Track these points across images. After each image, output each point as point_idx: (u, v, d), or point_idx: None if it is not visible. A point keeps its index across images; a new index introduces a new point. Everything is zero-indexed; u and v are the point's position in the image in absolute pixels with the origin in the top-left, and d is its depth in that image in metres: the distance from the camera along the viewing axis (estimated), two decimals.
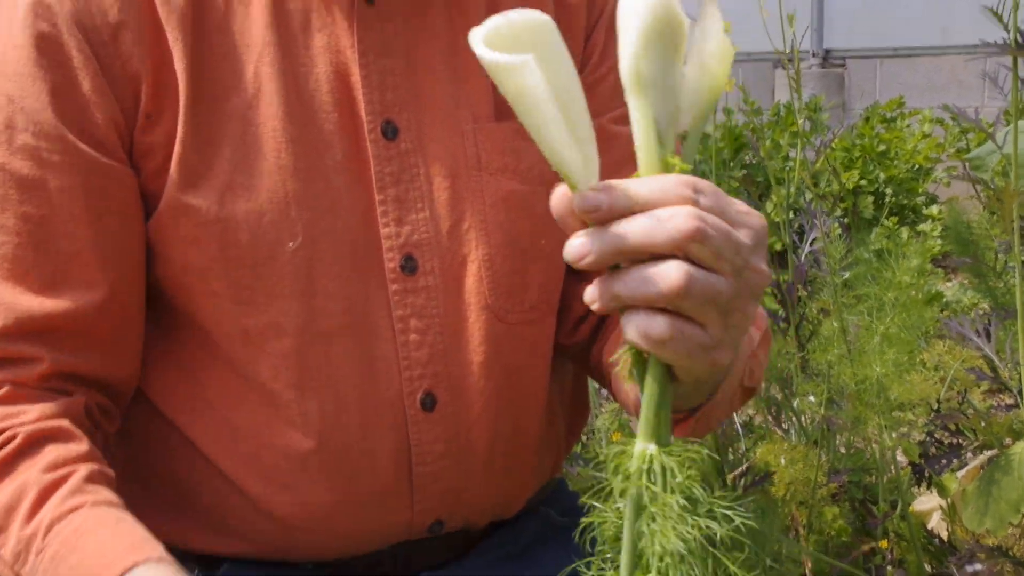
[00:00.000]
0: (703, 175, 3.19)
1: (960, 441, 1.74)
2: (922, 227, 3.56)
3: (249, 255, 0.97)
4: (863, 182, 3.68)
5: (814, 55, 5.69)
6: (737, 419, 2.07)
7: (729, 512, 0.66)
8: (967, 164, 1.93)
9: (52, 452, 0.90)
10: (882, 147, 3.82)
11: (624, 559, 0.68)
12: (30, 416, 0.91)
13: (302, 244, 0.98)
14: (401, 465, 1.02)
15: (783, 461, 1.77)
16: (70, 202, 0.95)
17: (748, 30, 2.46)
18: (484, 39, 0.66)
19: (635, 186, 0.66)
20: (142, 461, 1.09)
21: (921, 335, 1.90)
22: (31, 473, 0.89)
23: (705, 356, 0.68)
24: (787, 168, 3.35)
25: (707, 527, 0.66)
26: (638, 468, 0.67)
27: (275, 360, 0.98)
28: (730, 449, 2.00)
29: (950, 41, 5.30)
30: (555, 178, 0.97)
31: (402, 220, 1.01)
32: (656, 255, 0.65)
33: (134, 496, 0.99)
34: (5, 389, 0.92)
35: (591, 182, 0.67)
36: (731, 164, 3.82)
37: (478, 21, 1.01)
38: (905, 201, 3.68)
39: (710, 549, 0.66)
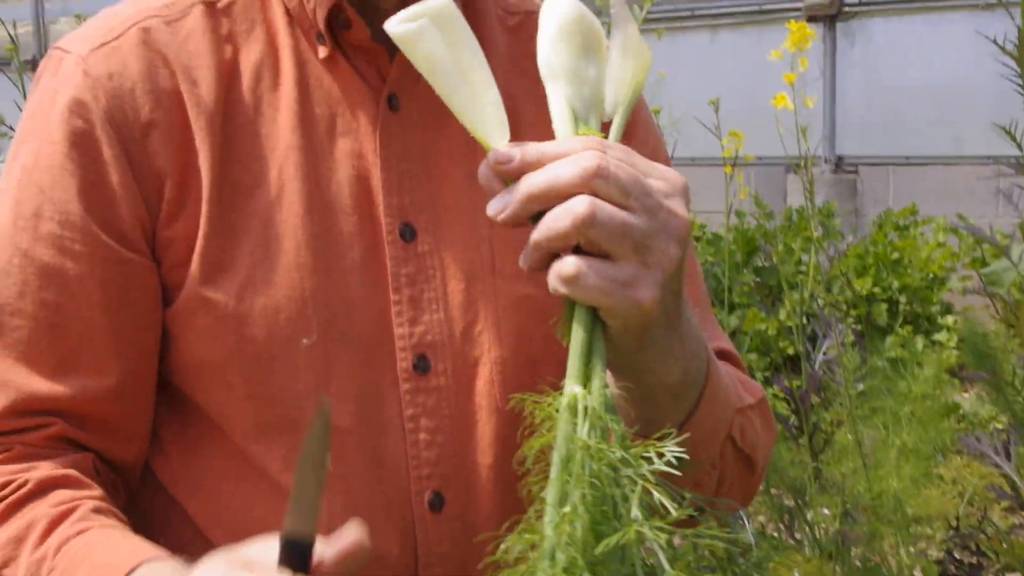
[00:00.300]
0: (715, 277, 3.16)
1: (981, 561, 1.73)
2: (937, 337, 3.56)
3: (265, 351, 0.98)
4: (876, 289, 3.68)
5: (826, 161, 5.72)
6: (749, 525, 2.05)
7: (652, 454, 0.71)
8: (983, 278, 1.94)
9: (61, 494, 0.92)
10: (895, 255, 3.82)
11: (550, 494, 0.71)
12: (41, 468, 0.93)
13: (317, 341, 0.99)
14: (407, 564, 1.01)
15: (796, 574, 1.78)
16: (88, 291, 0.97)
17: (761, 135, 2.47)
18: (398, 21, 0.76)
19: (547, 144, 0.75)
20: (141, 533, 1.09)
21: (938, 449, 1.91)
22: (40, 509, 0.91)
23: (623, 293, 0.75)
24: (800, 273, 3.34)
25: (622, 461, 0.70)
26: (566, 406, 0.72)
27: (286, 453, 0.99)
28: (742, 559, 1.98)
29: (963, 151, 5.34)
30: None
31: (416, 320, 1.02)
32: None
33: None
34: (15, 449, 0.94)
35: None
36: (743, 268, 3.83)
37: None
38: (919, 310, 3.68)
39: (627, 486, 0.70)
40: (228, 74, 1.05)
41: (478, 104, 0.80)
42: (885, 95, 5.61)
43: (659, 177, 0.79)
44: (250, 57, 1.07)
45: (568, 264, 0.75)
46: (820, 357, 2.02)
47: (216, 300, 0.99)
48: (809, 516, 1.92)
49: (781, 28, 5.72)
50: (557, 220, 0.74)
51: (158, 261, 1.01)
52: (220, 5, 1.07)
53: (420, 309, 1.03)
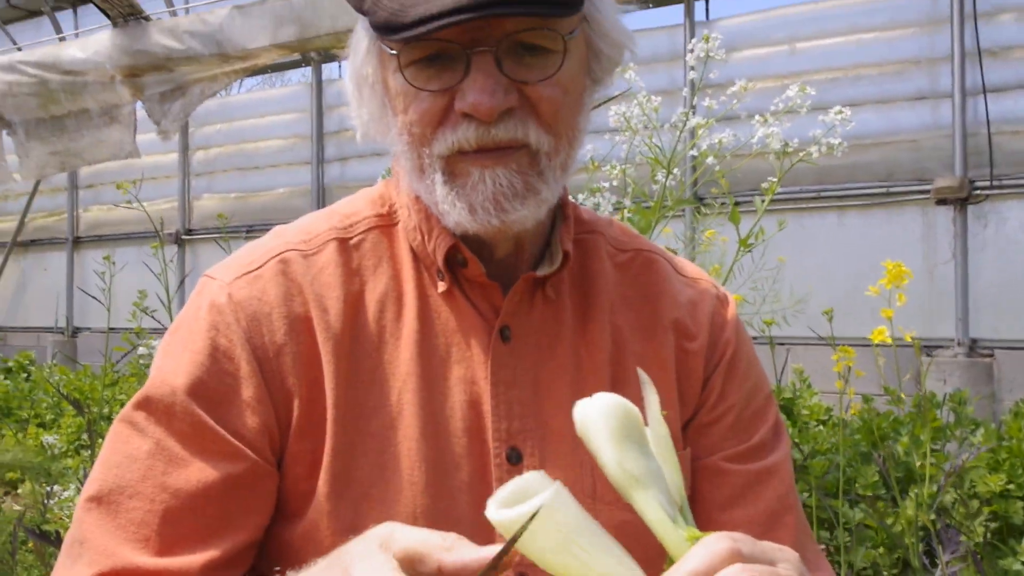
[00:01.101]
0: (841, 468, 3.09)
1: None
2: None
3: None
4: (1011, 486, 3.52)
5: (959, 344, 5.56)
6: None
7: None
8: None
9: None
10: None
11: None
12: None
13: None
14: None
15: None
16: (206, 482, 1.01)
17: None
18: (498, 505, 0.75)
19: (687, 563, 0.71)
20: None
21: None
22: None
23: None
24: (927, 465, 3.26)
25: None
26: None
27: None
28: None
29: None
30: None
31: None
32: None
33: None
34: None
35: None
36: (867, 456, 3.74)
37: (602, 355, 1.11)
38: None
39: None
40: (355, 304, 1.10)
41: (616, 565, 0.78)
42: (1021, 276, 5.48)
43: (783, 560, 0.76)
44: (376, 289, 1.11)
45: None
46: (938, 572, 1.96)
47: (339, 513, 1.03)
48: None
49: (911, 211, 5.76)
50: None
51: (284, 470, 1.05)
52: (352, 242, 1.13)
53: None
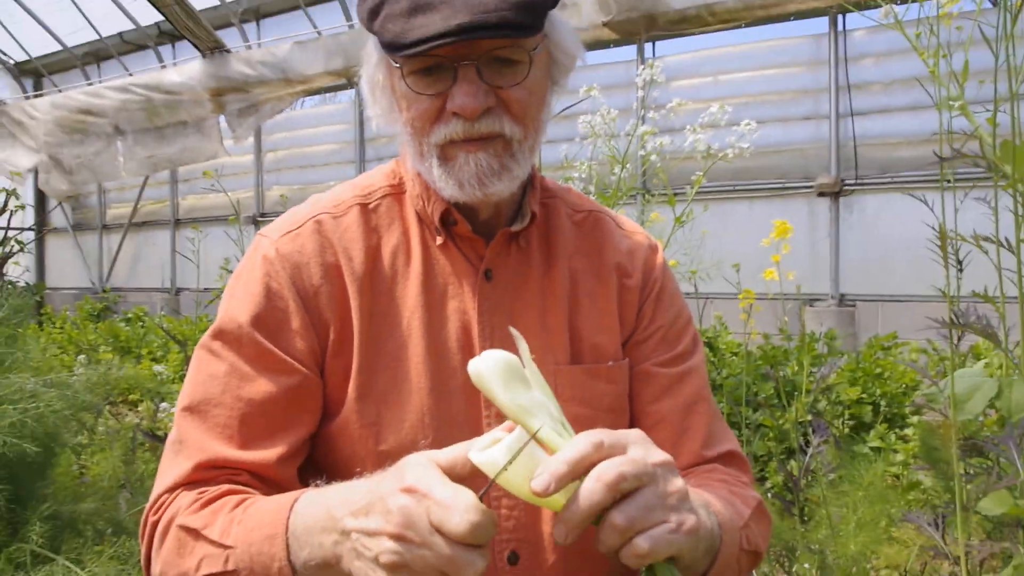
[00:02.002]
0: (747, 384, 3.17)
1: None
2: (907, 431, 3.45)
3: (395, 450, 0.99)
4: (863, 395, 3.60)
5: (832, 297, 5.63)
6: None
7: None
8: (926, 397, 1.91)
9: (243, 493, 0.96)
10: (879, 369, 3.73)
11: None
12: (228, 487, 0.97)
13: (432, 441, 1.00)
14: None
15: None
16: (271, 392, 0.99)
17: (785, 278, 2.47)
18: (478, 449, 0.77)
19: (563, 454, 0.75)
20: None
21: (892, 519, 1.86)
22: (228, 498, 0.94)
23: (680, 536, 0.77)
24: (809, 382, 3.36)
25: None
26: None
27: None
28: None
29: (933, 291, 5.23)
30: (612, 404, 1.08)
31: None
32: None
33: None
34: (210, 486, 0.97)
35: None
36: (766, 376, 3.84)
37: (562, 290, 1.11)
38: (895, 411, 3.56)
39: None
40: (374, 254, 1.06)
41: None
42: (876, 249, 5.53)
43: (633, 441, 0.79)
44: (390, 242, 1.08)
45: (639, 543, 0.75)
46: (810, 451, 1.97)
47: (365, 412, 1.01)
48: (795, 568, 1.89)
49: (799, 201, 5.81)
50: (593, 492, 0.74)
51: (325, 381, 1.03)
52: (371, 206, 1.09)
53: (503, 421, 1.06)
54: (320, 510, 0.84)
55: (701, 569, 0.87)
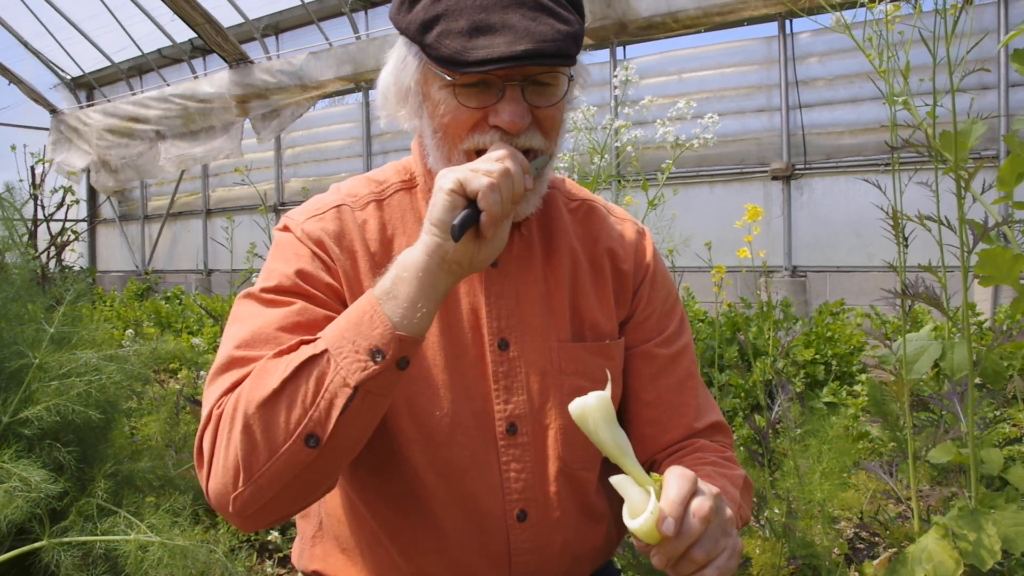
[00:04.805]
0: (712, 348, 3.10)
1: (876, 540, 1.68)
2: (856, 388, 3.45)
3: (415, 419, 0.98)
4: (816, 356, 3.60)
5: (786, 269, 5.62)
6: None
7: None
8: (878, 359, 1.89)
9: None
10: (830, 333, 3.69)
11: None
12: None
13: (446, 413, 0.98)
14: (503, 556, 1.01)
15: (758, 551, 1.75)
16: (315, 318, 0.93)
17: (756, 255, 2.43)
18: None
19: (674, 492, 0.76)
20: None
21: (849, 468, 1.84)
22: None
23: (736, 561, 0.79)
24: (768, 344, 3.32)
25: None
26: None
27: (432, 479, 0.99)
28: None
29: (874, 262, 5.21)
30: (603, 377, 1.00)
31: (508, 400, 1.01)
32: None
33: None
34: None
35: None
36: (732, 342, 3.81)
37: (563, 274, 1.06)
38: (845, 370, 3.56)
39: None
40: (387, 244, 1.03)
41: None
42: (823, 226, 5.51)
43: (710, 491, 0.78)
44: (403, 233, 1.04)
45: (708, 574, 0.76)
46: (776, 407, 1.97)
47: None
48: (766, 513, 1.89)
49: (756, 184, 5.77)
50: (693, 529, 0.75)
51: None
52: (385, 200, 1.06)
53: (511, 393, 1.01)
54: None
55: None
